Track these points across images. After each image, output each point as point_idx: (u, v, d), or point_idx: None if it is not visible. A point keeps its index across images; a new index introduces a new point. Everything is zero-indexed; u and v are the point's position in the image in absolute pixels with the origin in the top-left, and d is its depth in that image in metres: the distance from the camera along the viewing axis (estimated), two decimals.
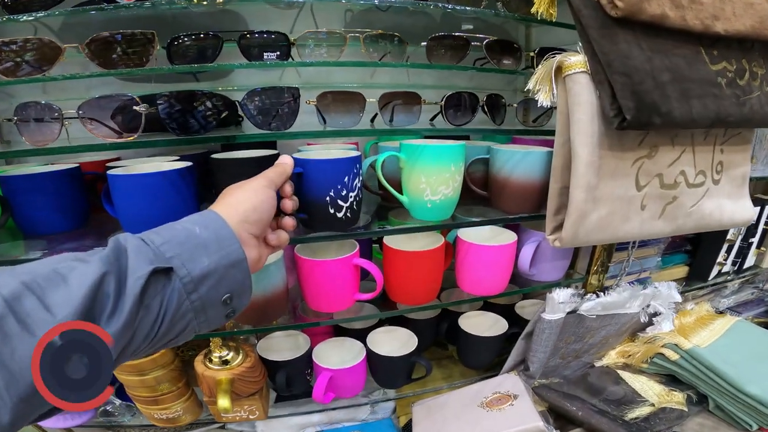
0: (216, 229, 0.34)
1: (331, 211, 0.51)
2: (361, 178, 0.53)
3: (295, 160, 0.45)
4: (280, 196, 0.43)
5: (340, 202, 0.51)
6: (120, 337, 0.28)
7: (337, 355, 0.69)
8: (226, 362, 0.56)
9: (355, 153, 0.53)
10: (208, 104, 0.48)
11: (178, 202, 0.46)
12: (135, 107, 0.44)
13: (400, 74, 0.81)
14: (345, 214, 0.52)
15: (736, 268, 0.90)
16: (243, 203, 0.37)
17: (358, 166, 0.52)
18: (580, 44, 0.49)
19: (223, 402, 0.52)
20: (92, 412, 0.64)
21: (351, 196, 0.51)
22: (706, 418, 0.66)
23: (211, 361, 0.56)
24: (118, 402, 0.65)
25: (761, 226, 0.87)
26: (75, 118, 0.45)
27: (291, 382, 0.65)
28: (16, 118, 0.46)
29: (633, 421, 0.63)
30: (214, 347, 0.56)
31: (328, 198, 0.50)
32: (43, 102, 0.46)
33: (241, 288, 0.35)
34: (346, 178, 0.50)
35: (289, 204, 0.44)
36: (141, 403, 0.59)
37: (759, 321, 0.95)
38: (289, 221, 0.44)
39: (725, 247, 0.85)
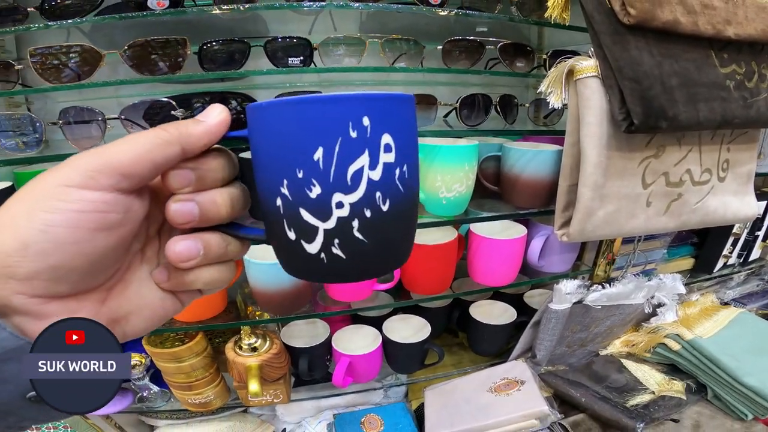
0: None
1: (291, 236, 0.22)
2: (384, 165, 0.22)
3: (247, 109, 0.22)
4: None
5: (309, 219, 0.22)
6: None
7: (355, 342, 0.73)
8: (254, 349, 0.60)
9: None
10: (239, 107, 0.51)
11: None
12: (172, 112, 0.48)
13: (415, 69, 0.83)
14: (327, 248, 0.22)
15: (741, 260, 0.92)
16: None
17: (372, 125, 0.21)
18: (592, 49, 0.51)
19: (254, 386, 0.56)
20: (131, 398, 0.68)
21: (342, 206, 0.21)
22: (704, 407, 0.68)
23: (241, 348, 0.60)
24: (156, 389, 0.68)
25: None
26: (116, 118, 0.48)
27: (312, 367, 0.69)
28: (60, 121, 0.50)
29: (633, 407, 0.65)
30: (244, 335, 0.60)
31: (279, 202, 0.22)
32: (85, 106, 0.49)
33: None
34: (317, 153, 0.21)
35: (177, 211, 0.21)
36: (176, 389, 0.63)
37: (763, 313, 0.97)
38: (177, 248, 0.21)
39: (731, 240, 0.87)
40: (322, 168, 0.21)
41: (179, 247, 0.21)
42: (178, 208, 0.21)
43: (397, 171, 0.22)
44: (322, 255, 0.22)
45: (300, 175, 0.21)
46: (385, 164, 0.21)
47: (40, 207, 0.18)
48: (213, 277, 0.23)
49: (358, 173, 0.21)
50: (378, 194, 0.22)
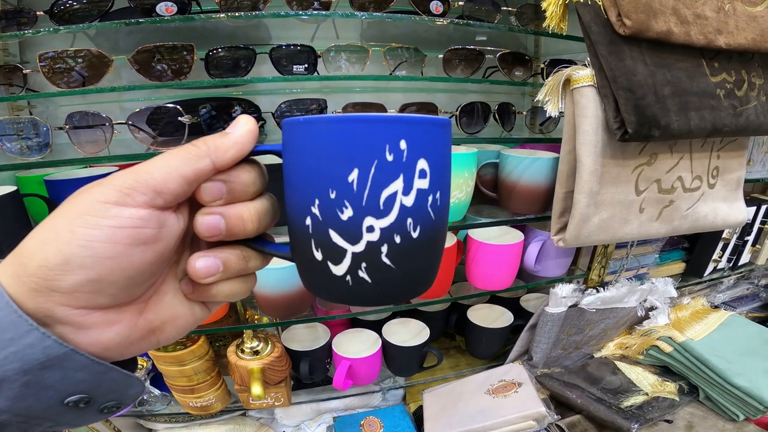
0: None
1: (318, 256, 0.22)
2: (418, 191, 0.21)
3: (283, 124, 0.22)
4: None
5: (338, 240, 0.21)
6: None
7: (355, 345, 0.73)
8: (256, 352, 0.60)
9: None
10: (243, 113, 0.52)
11: None
12: (179, 118, 0.48)
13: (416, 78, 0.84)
14: (353, 271, 0.22)
15: (731, 265, 0.94)
16: (41, 251, 0.18)
17: (409, 149, 0.21)
18: (588, 58, 0.53)
19: (257, 390, 0.57)
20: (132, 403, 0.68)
21: (373, 230, 0.21)
22: (696, 408, 0.70)
23: (243, 351, 0.60)
24: (156, 392, 0.68)
25: (757, 225, 0.91)
26: (123, 123, 0.49)
27: (313, 371, 0.69)
28: (67, 126, 0.50)
29: (628, 408, 0.67)
30: (246, 338, 0.60)
31: (308, 221, 0.22)
32: (90, 111, 0.50)
33: (100, 384, 0.20)
34: (352, 175, 0.20)
35: (203, 224, 0.21)
36: (178, 393, 0.63)
37: (753, 316, 0.99)
38: (197, 266, 0.21)
39: (720, 245, 0.89)
40: (356, 190, 0.20)
41: (199, 264, 0.21)
42: (205, 222, 0.21)
43: (430, 198, 0.22)
44: (348, 278, 0.22)
45: (332, 196, 0.21)
46: (419, 190, 0.21)
47: (81, 223, 0.18)
48: (234, 290, 0.23)
49: (392, 198, 0.21)
50: (409, 221, 0.21)
